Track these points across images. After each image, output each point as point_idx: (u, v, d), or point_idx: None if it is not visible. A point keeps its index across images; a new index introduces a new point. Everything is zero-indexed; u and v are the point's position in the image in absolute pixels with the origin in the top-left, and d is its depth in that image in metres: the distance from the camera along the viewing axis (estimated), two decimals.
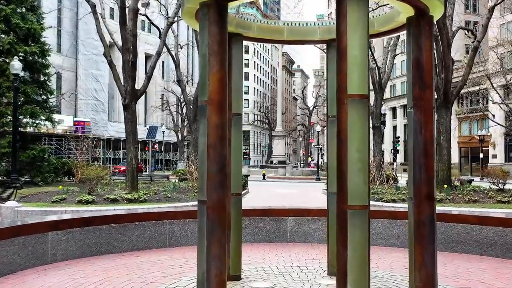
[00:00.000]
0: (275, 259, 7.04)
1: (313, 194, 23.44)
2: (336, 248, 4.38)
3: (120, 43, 15.81)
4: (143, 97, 61.22)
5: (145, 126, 58.67)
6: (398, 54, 28.55)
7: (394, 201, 13.75)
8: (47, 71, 21.08)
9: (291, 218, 8.28)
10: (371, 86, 22.66)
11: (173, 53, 29.83)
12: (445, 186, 15.10)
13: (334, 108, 5.57)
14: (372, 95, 24.75)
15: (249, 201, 19.18)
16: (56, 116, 46.06)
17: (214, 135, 4.54)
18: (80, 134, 40.45)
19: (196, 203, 6.89)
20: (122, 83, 15.32)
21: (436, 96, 16.96)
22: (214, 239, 4.43)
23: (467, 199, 13.53)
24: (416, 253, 4.83)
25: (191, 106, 29.89)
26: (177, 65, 29.74)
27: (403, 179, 25.05)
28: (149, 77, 16.31)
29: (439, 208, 12.30)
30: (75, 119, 47.34)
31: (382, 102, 28.20)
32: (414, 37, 4.93)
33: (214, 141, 4.54)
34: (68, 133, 39.25)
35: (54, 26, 41.51)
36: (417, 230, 4.90)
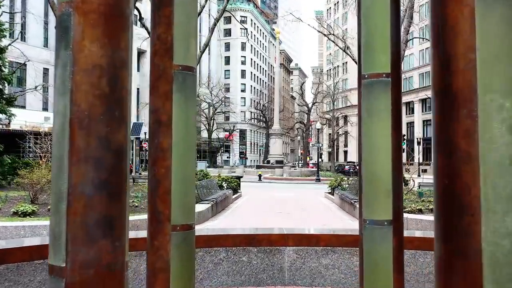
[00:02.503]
0: None
1: (315, 198, 20.64)
2: None
3: None
4: (134, 92, 58.87)
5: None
6: (410, 39, 25.82)
7: (420, 211, 10.84)
8: (2, 55, 18.08)
9: (291, 248, 5.40)
10: None
11: None
12: None
13: (375, 61, 2.64)
14: None
15: (239, 208, 16.34)
16: (43, 114, 43.46)
17: (90, 91, 1.72)
18: None
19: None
20: None
21: None
22: None
23: None
24: None
25: None
26: None
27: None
28: None
29: None
30: None
31: None
32: None
33: (88, 105, 1.72)
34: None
35: (41, 19, 38.69)
36: None
